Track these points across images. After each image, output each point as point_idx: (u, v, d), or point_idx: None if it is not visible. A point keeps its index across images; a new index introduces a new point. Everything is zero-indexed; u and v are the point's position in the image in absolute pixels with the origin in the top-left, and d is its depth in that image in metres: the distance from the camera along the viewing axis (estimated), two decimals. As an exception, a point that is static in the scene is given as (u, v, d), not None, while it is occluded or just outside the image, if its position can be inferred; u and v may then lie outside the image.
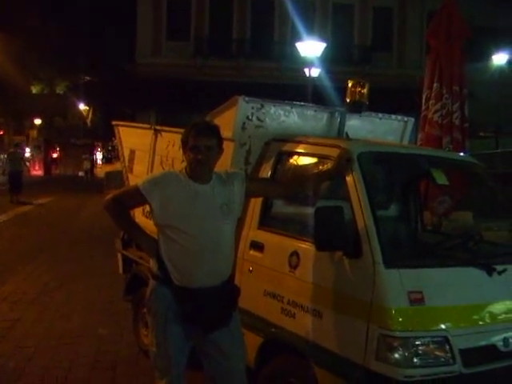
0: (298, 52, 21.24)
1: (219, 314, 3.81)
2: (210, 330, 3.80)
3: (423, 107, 7.62)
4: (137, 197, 3.75)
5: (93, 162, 37.63)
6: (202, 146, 3.68)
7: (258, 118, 4.86)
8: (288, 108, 5.10)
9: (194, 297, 3.73)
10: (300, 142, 4.71)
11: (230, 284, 3.92)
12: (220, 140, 3.80)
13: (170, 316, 3.79)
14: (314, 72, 21.63)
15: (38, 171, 42.27)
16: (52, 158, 47.57)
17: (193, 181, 3.74)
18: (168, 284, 3.76)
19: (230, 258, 3.92)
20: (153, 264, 3.91)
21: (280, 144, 4.81)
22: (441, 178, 4.58)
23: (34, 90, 45.01)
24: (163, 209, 3.68)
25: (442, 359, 3.54)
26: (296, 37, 22.77)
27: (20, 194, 22.29)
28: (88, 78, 42.93)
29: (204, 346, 3.90)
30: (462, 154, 6.54)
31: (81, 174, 41.26)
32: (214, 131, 3.79)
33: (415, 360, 3.47)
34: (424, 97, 7.64)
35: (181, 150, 3.94)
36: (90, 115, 42.82)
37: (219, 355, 3.85)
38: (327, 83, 20.19)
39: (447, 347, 3.55)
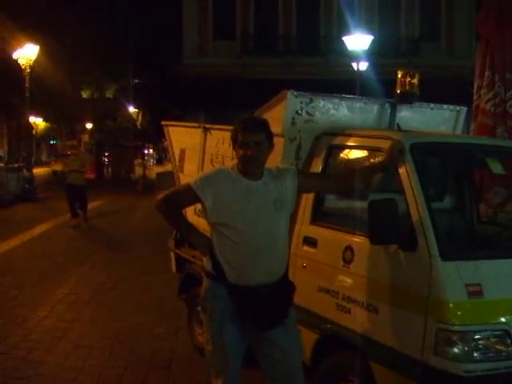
0: (345, 46, 21.06)
1: (275, 312, 3.78)
2: (266, 328, 3.78)
3: (475, 96, 7.44)
4: (189, 195, 3.75)
5: (145, 166, 37.90)
6: (251, 142, 3.66)
7: (308, 113, 4.82)
8: (337, 101, 5.04)
9: (250, 295, 3.71)
10: (350, 135, 4.66)
11: (285, 280, 3.88)
12: (269, 135, 3.77)
13: (225, 315, 3.78)
14: (362, 66, 21.39)
15: (90, 174, 42.85)
16: (103, 160, 48.22)
17: (244, 177, 3.72)
18: (222, 282, 3.75)
19: (285, 254, 3.89)
20: (206, 262, 3.90)
21: (330, 138, 4.76)
22: (497, 168, 4.48)
23: (84, 94, 45.77)
24: (216, 206, 3.67)
25: (504, 353, 3.46)
26: (342, 31, 22.57)
27: (85, 212, 16.88)
28: (137, 80, 43.41)
29: (260, 344, 3.87)
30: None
31: (132, 176, 41.66)
32: (262, 126, 3.76)
33: (475, 354, 3.40)
34: (475, 86, 7.46)
35: (231, 147, 3.93)
36: (140, 117, 43.33)
37: (276, 353, 3.82)
38: (374, 76, 19.92)
39: (508, 341, 3.46)
